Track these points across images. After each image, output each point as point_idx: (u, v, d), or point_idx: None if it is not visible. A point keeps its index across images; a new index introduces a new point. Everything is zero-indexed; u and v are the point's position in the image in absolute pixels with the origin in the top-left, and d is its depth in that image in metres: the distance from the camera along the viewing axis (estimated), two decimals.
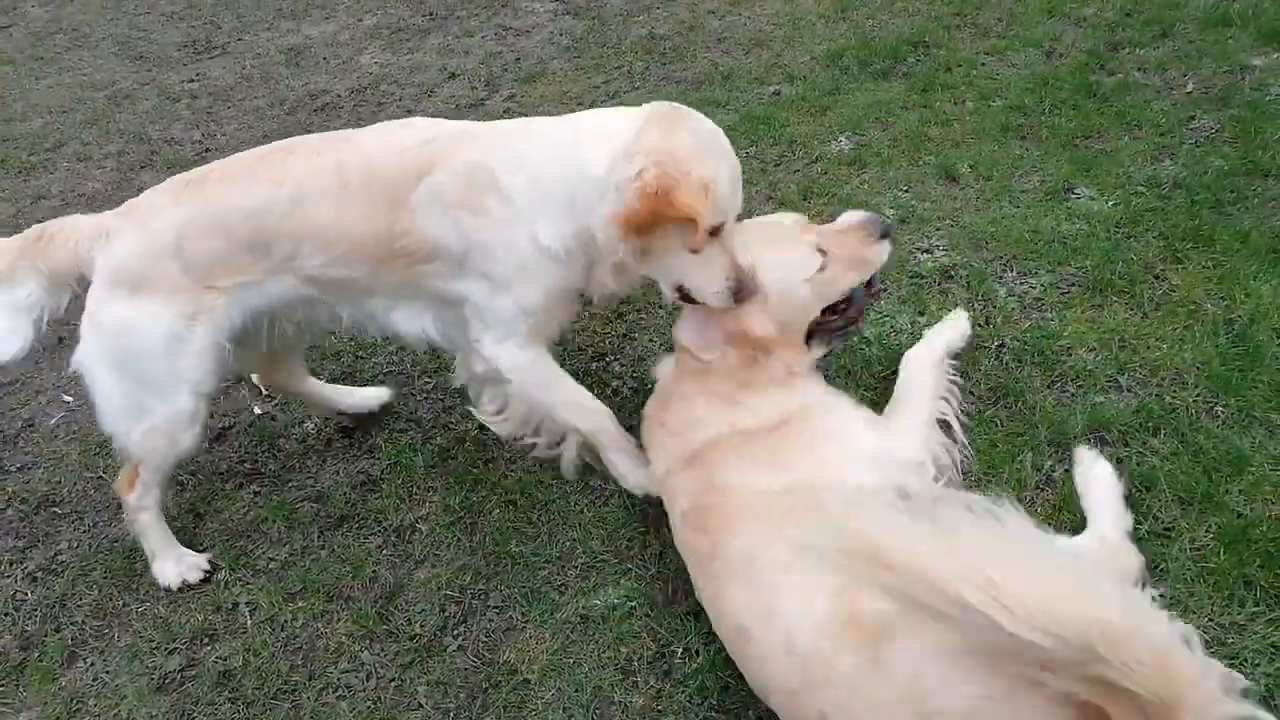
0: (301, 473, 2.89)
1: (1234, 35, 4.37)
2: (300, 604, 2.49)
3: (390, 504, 2.73)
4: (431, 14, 6.09)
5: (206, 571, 2.59)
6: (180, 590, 2.58)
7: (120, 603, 2.56)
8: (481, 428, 2.92)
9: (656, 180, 2.10)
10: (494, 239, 2.30)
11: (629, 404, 2.87)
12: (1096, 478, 2.36)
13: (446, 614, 2.43)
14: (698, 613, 2.33)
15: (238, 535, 2.71)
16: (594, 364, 3.12)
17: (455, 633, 2.39)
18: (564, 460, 2.63)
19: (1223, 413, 2.62)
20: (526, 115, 4.58)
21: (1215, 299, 2.98)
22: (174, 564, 2.60)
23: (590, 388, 2.67)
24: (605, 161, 2.20)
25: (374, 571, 2.55)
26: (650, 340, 3.20)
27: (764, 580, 1.93)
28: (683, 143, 2.17)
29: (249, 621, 2.47)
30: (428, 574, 2.53)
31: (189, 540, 2.70)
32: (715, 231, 2.18)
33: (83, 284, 2.42)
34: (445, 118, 4.69)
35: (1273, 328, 2.83)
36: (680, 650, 2.27)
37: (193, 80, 5.64)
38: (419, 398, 3.09)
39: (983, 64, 4.48)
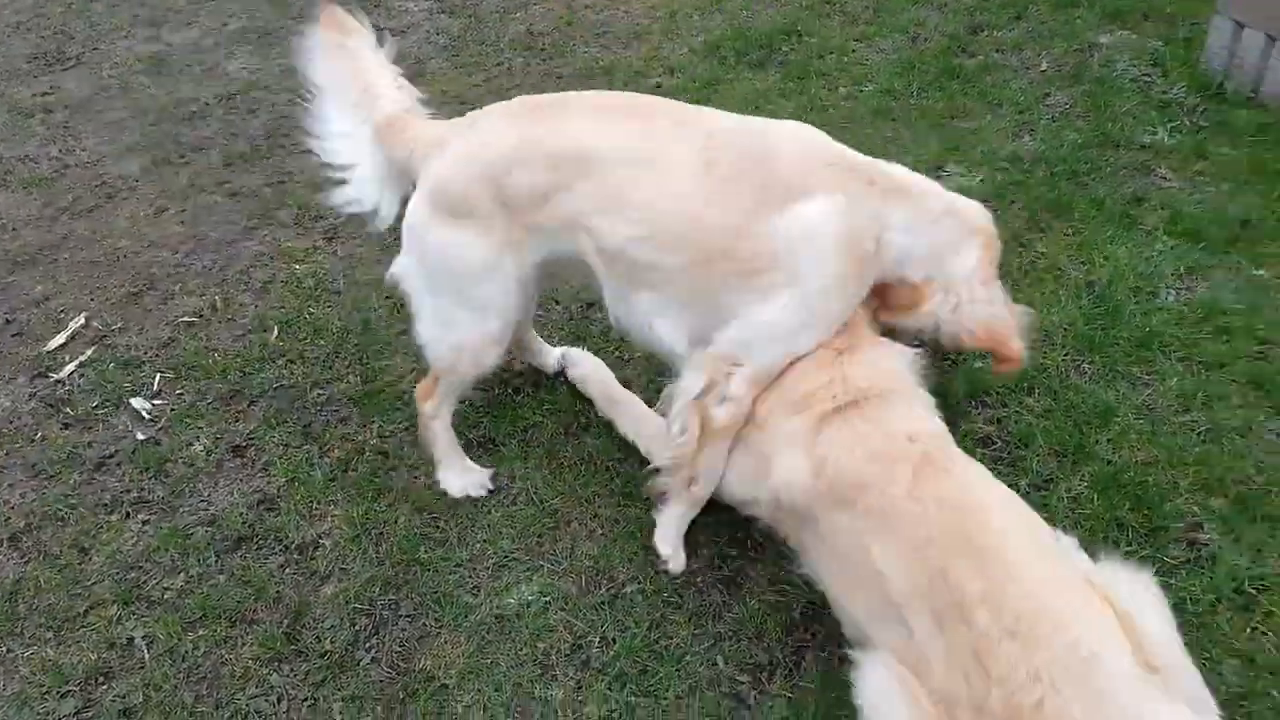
0: (193, 497, 2.78)
1: (1081, 15, 4.64)
2: (201, 632, 2.40)
3: (290, 521, 2.65)
4: (300, 16, 5.90)
5: (490, 490, 2.66)
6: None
7: (4, 648, 2.42)
8: (381, 436, 2.89)
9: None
10: (853, 281, 2.17)
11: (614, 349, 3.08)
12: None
13: (357, 628, 2.38)
14: (612, 601, 2.36)
15: (128, 567, 2.59)
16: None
17: (368, 645, 2.35)
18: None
19: (1089, 369, 2.80)
20: None
21: (1077, 264, 3.17)
22: (458, 476, 2.66)
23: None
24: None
25: (278, 592, 2.48)
26: None
27: None
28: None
29: (146, 655, 2.36)
30: (335, 589, 2.48)
31: (74, 578, 2.57)
32: None
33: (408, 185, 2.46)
34: None
35: (1129, 287, 3.03)
36: (597, 640, 2.29)
37: (46, 93, 5.33)
38: (313, 410, 3.00)
39: (853, 50, 4.64)
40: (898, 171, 2.26)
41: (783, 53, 4.69)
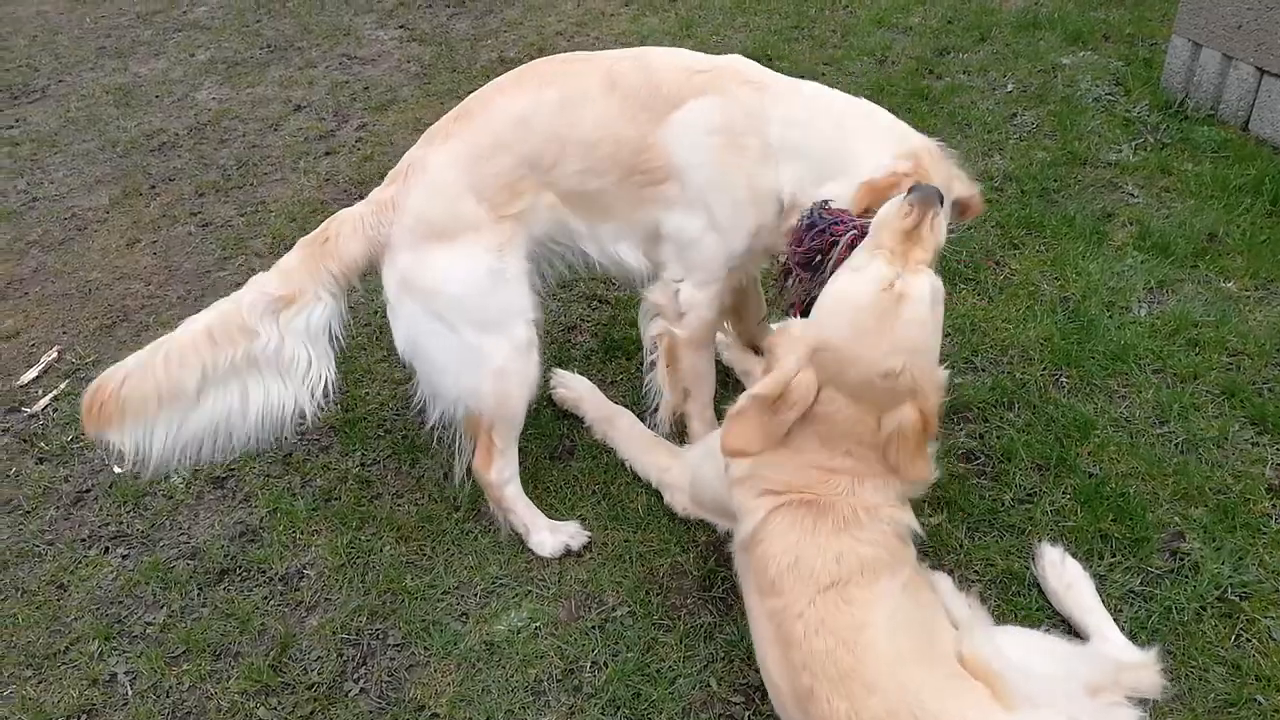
0: (173, 530, 2.74)
1: (1044, 37, 4.75)
2: (185, 666, 2.36)
3: (273, 553, 2.62)
4: (269, 46, 5.90)
5: (589, 537, 2.56)
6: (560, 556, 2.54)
7: None
8: (363, 464, 2.86)
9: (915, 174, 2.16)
10: (738, 174, 2.32)
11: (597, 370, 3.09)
12: (1076, 581, 2.24)
13: (345, 658, 2.35)
14: (602, 625, 2.35)
15: (108, 603, 2.54)
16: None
17: (356, 676, 2.31)
18: (660, 417, 2.71)
19: (1067, 383, 2.84)
20: (380, 145, 4.56)
21: (1050, 280, 3.22)
22: (550, 534, 2.54)
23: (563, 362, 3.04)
24: (870, 143, 2.27)
25: (262, 624, 2.44)
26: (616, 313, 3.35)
27: None
28: (943, 170, 2.29)
29: (130, 691, 2.31)
30: (321, 620, 2.44)
31: (53, 615, 2.52)
32: None
33: (365, 274, 2.44)
34: (294, 151, 4.61)
35: (1103, 302, 3.09)
36: (588, 665, 2.27)
37: (11, 126, 5.27)
38: (293, 440, 2.96)
39: (823, 74, 4.70)
40: (785, 78, 2.41)
41: None
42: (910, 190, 1.91)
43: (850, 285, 1.87)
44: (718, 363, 2.79)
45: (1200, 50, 3.97)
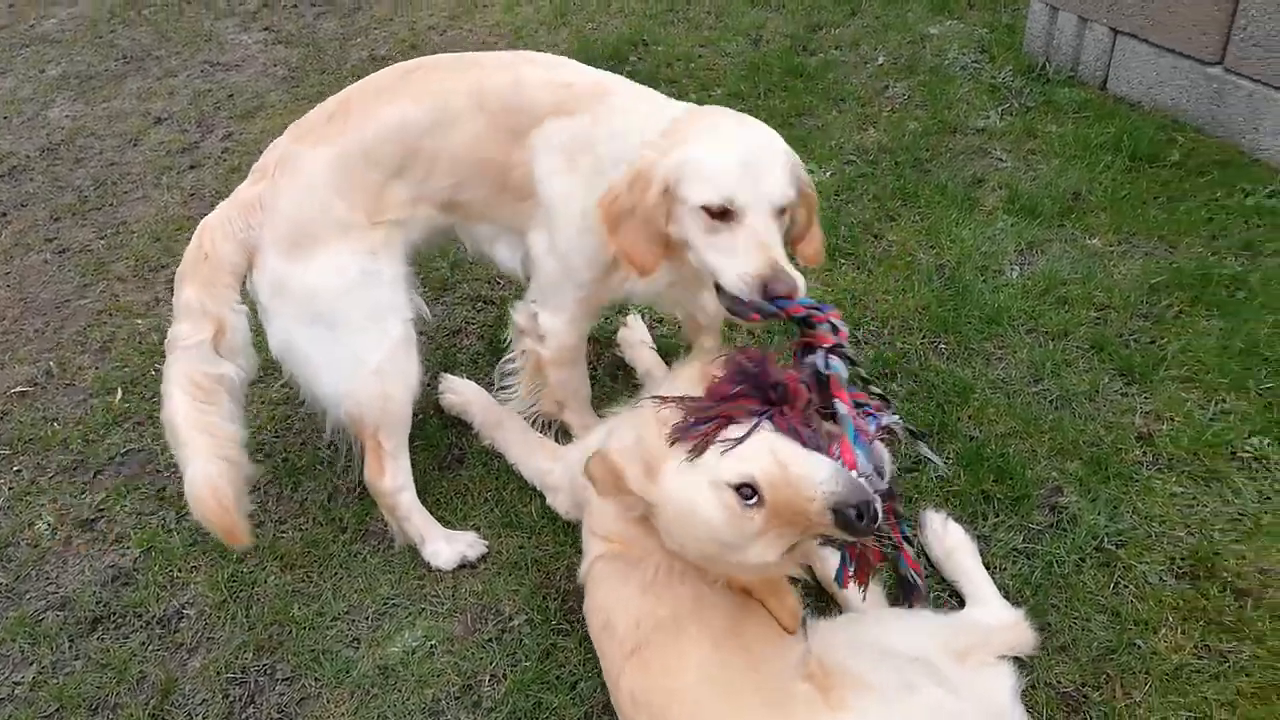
0: (40, 580, 2.58)
1: (911, 8, 4.82)
2: None
3: (149, 594, 2.49)
4: (125, 57, 5.60)
5: (486, 547, 2.50)
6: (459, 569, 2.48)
7: None
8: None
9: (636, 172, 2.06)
10: (570, 195, 2.27)
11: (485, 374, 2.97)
12: (957, 546, 2.27)
13: (231, 699, 2.25)
14: (500, 637, 2.30)
15: None
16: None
17: (244, 716, 2.21)
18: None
19: (946, 349, 2.89)
20: (248, 155, 4.37)
21: (926, 248, 3.28)
22: (447, 544, 2.47)
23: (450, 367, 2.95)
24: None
25: (141, 671, 2.32)
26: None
27: None
28: (677, 132, 2.08)
29: None
30: (203, 660, 2.33)
31: None
32: (726, 216, 1.97)
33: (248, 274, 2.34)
34: (156, 166, 4.39)
35: (976, 267, 3.15)
36: (487, 678, 2.22)
37: None
38: (167, 473, 2.82)
39: (699, 56, 4.69)
40: (632, 88, 2.33)
41: (631, 62, 4.70)
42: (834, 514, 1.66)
43: (706, 514, 1.75)
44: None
45: (1058, 14, 4.08)
